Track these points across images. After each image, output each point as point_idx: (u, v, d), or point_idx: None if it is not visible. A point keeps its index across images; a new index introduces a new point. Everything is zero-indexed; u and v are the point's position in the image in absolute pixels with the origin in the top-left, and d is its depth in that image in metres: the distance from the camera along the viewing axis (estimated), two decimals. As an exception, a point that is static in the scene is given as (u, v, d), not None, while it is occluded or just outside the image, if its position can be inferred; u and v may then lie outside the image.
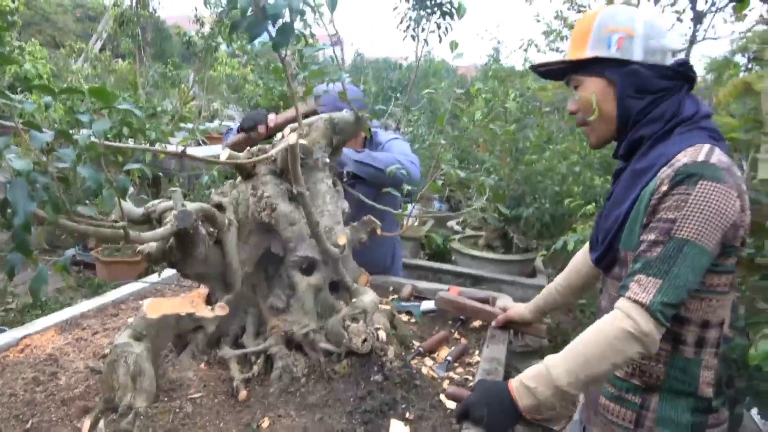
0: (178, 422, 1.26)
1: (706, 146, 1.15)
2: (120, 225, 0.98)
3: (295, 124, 1.58)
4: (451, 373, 1.66)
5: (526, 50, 9.25)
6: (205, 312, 1.50)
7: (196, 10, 5.43)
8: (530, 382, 1.20)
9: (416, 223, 4.27)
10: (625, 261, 1.27)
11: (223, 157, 1.44)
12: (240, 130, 1.84)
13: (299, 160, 1.20)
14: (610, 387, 1.32)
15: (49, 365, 1.53)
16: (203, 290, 1.61)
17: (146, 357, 1.32)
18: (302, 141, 1.46)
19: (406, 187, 1.82)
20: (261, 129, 1.74)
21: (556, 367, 1.17)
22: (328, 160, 1.57)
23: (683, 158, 1.14)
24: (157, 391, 1.33)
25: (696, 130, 1.21)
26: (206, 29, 5.46)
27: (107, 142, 0.87)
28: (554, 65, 1.37)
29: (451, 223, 4.59)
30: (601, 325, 1.16)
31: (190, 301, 1.54)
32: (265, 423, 1.29)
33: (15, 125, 0.76)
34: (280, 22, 0.95)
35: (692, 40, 8.39)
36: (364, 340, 1.41)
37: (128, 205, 1.36)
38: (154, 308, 1.44)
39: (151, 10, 6.13)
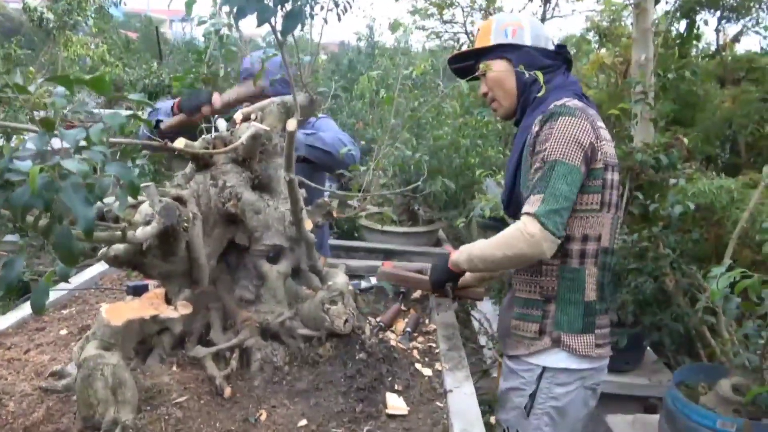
0: (172, 429, 1.20)
1: (566, 98, 1.52)
2: (122, 226, 0.91)
3: (246, 109, 1.53)
4: (415, 343, 1.74)
5: (394, 29, 9.47)
6: (169, 312, 1.42)
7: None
8: (456, 255, 1.68)
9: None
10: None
11: (179, 146, 1.36)
12: (178, 110, 1.72)
13: (294, 148, 1.17)
14: (517, 308, 1.63)
15: (-14, 392, 1.35)
16: (160, 290, 1.51)
17: (124, 367, 1.23)
18: (263, 126, 1.42)
19: None
20: (206, 111, 1.65)
21: (472, 247, 1.62)
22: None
23: (549, 106, 1.50)
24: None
25: (564, 90, 1.56)
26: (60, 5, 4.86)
27: (117, 139, 0.81)
28: (465, 53, 1.73)
29: (352, 202, 4.64)
30: (504, 231, 1.52)
31: (150, 303, 1.45)
32: (263, 416, 1.27)
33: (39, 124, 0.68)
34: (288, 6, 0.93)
35: (543, 18, 9.14)
36: (346, 321, 1.43)
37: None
38: (114, 314, 1.33)
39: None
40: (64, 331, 1.70)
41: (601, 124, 1.52)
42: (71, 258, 0.65)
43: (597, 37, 5.80)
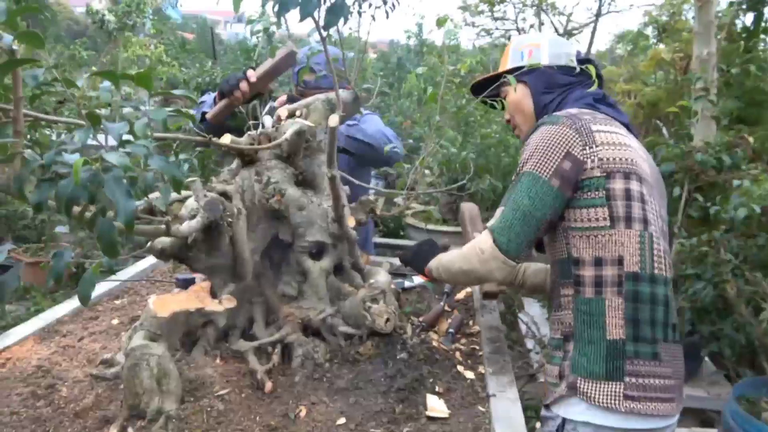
0: (213, 421, 1.22)
1: (571, 109, 1.37)
2: (165, 220, 0.92)
3: (291, 106, 1.54)
4: (457, 345, 1.71)
5: (440, 24, 9.38)
6: (214, 306, 1.44)
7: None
8: (434, 261, 1.52)
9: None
10: None
11: (225, 141, 1.38)
12: (220, 96, 1.75)
13: (336, 144, 1.17)
14: (548, 349, 1.43)
15: (42, 377, 1.41)
16: (205, 284, 1.54)
17: (169, 358, 1.25)
18: (307, 122, 1.42)
19: None
20: (243, 86, 1.66)
21: (444, 255, 1.50)
22: (329, 142, 1.53)
23: None
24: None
25: (576, 103, 1.42)
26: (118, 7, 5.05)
27: (162, 134, 0.81)
28: (487, 79, 1.60)
29: (398, 200, 4.64)
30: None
31: (196, 296, 1.47)
32: (303, 412, 1.27)
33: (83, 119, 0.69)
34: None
35: (598, 14, 8.83)
36: (387, 320, 1.42)
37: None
38: (161, 306, 1.37)
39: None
40: (115, 321, 1.76)
41: (603, 127, 1.30)
42: (113, 249, 0.66)
43: (655, 32, 5.57)
